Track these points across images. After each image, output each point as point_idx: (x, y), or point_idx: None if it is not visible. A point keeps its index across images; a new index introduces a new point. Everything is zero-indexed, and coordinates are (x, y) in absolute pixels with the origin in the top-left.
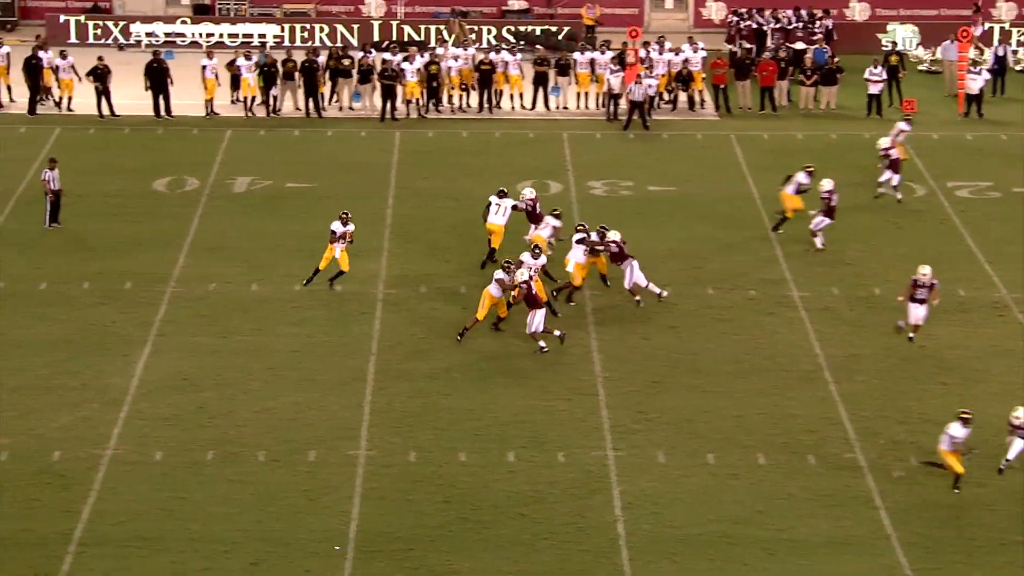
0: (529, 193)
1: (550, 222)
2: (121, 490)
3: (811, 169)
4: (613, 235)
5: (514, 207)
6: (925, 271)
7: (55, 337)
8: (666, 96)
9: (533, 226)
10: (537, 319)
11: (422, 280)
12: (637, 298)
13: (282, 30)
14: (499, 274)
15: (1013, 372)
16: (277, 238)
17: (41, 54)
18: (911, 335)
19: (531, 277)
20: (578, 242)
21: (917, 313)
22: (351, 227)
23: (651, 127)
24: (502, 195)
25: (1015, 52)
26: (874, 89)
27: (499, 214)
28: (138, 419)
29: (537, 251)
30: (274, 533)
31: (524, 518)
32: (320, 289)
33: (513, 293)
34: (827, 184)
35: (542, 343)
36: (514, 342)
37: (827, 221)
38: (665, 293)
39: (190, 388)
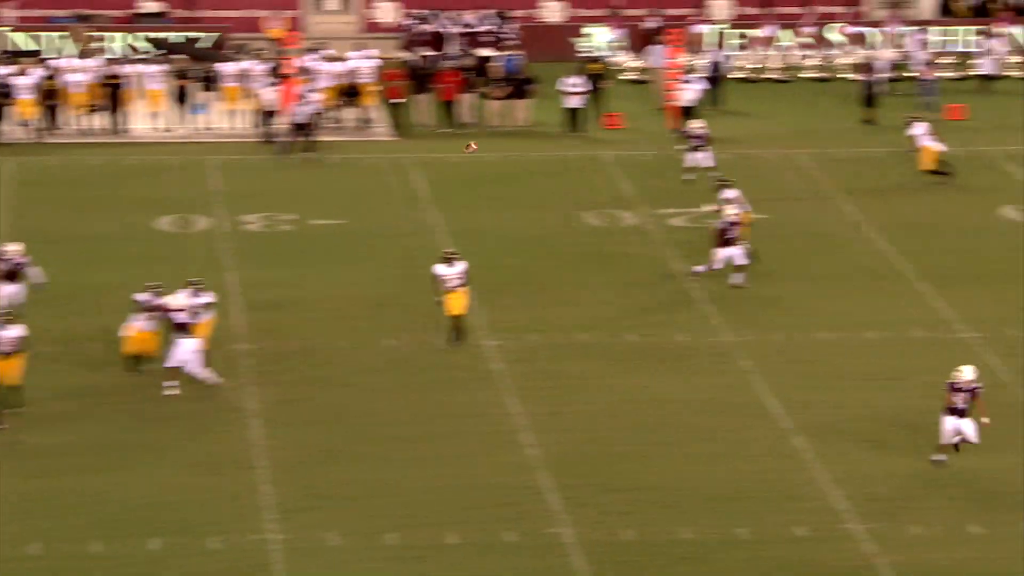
0: (13, 248)
1: None
2: None
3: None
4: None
5: None
6: (963, 372)
7: None
8: (332, 113)
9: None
10: (179, 352)
11: (62, 339)
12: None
13: None
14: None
15: (738, 429)
16: None
17: None
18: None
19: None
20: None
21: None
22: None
23: (316, 150)
24: None
25: (729, 57)
26: (573, 102)
27: None
28: None
29: (198, 286)
30: None
31: None
32: None
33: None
34: None
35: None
36: (148, 409)
37: None
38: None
39: None
